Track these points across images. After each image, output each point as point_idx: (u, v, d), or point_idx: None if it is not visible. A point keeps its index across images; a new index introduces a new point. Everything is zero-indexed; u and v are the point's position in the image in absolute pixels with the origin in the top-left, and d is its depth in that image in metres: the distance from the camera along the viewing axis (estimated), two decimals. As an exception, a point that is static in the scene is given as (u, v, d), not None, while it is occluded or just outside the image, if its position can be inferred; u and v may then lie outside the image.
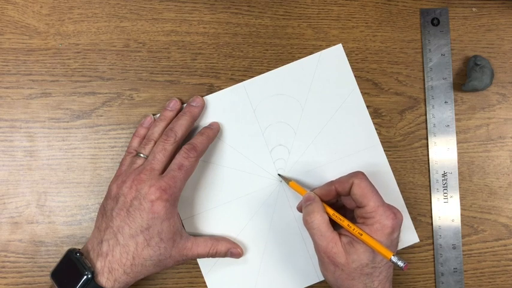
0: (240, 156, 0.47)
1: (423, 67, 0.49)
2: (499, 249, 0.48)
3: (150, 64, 0.48)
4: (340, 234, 0.40)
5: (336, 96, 0.48)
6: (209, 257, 0.44)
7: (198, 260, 0.46)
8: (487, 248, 0.48)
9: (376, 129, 0.48)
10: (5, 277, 0.46)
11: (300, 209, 0.45)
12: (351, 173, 0.42)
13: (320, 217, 0.40)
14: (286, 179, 0.46)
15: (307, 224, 0.40)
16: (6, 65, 0.47)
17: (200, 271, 0.47)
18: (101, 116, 0.47)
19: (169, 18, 0.48)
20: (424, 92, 0.49)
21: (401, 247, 0.47)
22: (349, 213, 0.43)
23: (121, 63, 0.48)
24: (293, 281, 0.47)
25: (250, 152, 0.47)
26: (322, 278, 0.47)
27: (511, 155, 0.49)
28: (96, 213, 0.46)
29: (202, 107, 0.46)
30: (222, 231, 0.47)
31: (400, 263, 0.37)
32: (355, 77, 0.48)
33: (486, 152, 0.49)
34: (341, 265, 0.39)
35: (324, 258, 0.40)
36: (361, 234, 0.39)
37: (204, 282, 0.46)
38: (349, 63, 0.48)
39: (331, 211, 0.41)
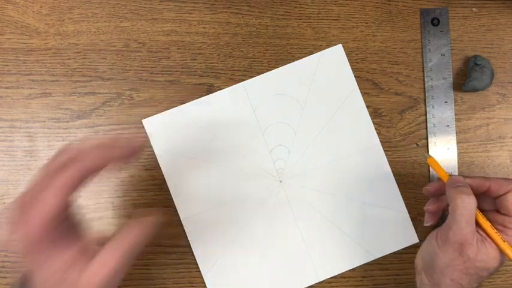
0: (240, 156, 0.47)
1: (423, 67, 0.49)
2: (499, 249, 0.48)
3: (150, 64, 0.48)
4: None
5: (336, 96, 0.48)
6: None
7: (198, 260, 0.46)
8: (487, 248, 0.48)
9: (376, 129, 0.48)
10: (5, 277, 0.46)
11: (430, 191, 0.43)
12: (509, 179, 0.40)
13: (474, 203, 0.38)
14: (426, 155, 0.44)
15: (461, 202, 0.38)
16: (6, 65, 0.47)
17: (200, 271, 0.47)
18: (101, 116, 0.47)
19: (169, 18, 0.48)
20: (424, 92, 0.49)
21: (401, 247, 0.47)
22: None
23: (121, 63, 0.48)
24: (293, 281, 0.47)
25: (250, 152, 0.47)
26: (322, 279, 0.47)
27: (511, 155, 0.49)
28: (96, 214, 0.46)
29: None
30: (222, 231, 0.47)
31: None
32: (355, 77, 0.48)
33: (486, 152, 0.49)
34: (467, 257, 0.37)
35: (453, 241, 0.38)
36: (504, 241, 0.38)
37: (204, 282, 0.46)
38: (349, 63, 0.48)
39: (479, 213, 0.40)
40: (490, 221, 0.39)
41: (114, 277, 0.31)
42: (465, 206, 0.38)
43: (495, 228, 0.39)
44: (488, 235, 0.38)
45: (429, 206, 0.43)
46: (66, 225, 0.32)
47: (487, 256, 0.38)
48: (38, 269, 0.31)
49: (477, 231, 0.38)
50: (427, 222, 0.44)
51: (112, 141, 0.33)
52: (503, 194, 0.39)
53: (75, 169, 0.31)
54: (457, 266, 0.38)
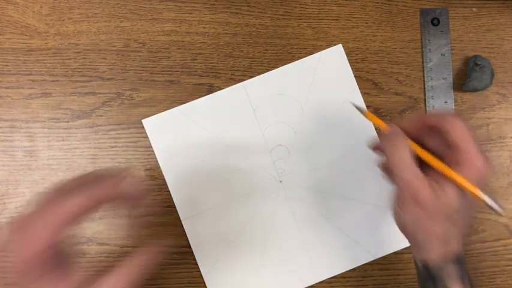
0: (240, 156, 0.47)
1: (423, 67, 0.49)
2: (499, 249, 0.48)
3: (150, 64, 0.48)
4: (425, 174, 0.36)
5: (336, 96, 0.48)
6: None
7: (198, 259, 0.46)
8: (487, 248, 0.48)
9: (376, 129, 0.48)
10: (5, 277, 0.46)
11: (374, 147, 0.42)
12: (446, 112, 0.37)
13: (406, 148, 0.36)
14: (359, 108, 0.41)
15: (391, 156, 0.37)
16: (6, 65, 0.47)
17: (200, 271, 0.47)
18: (101, 116, 0.47)
19: (170, 18, 0.48)
20: (424, 92, 0.49)
21: (402, 247, 0.47)
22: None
23: (121, 63, 0.48)
24: (293, 281, 0.47)
25: (250, 152, 0.47)
26: (321, 279, 0.47)
27: (511, 155, 0.49)
28: (96, 214, 0.46)
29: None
30: (222, 231, 0.47)
31: (496, 207, 0.35)
32: (355, 77, 0.48)
33: (486, 152, 0.49)
34: (424, 203, 0.35)
35: (406, 195, 0.36)
36: (453, 173, 0.35)
37: (204, 282, 0.46)
38: (349, 63, 0.48)
39: (416, 146, 0.38)
40: (441, 157, 0.37)
41: None
42: (399, 153, 0.36)
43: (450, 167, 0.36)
44: (436, 169, 0.36)
45: (379, 163, 0.41)
46: (57, 260, 0.31)
47: (447, 196, 0.35)
48: None
49: (427, 174, 0.36)
50: (385, 178, 0.42)
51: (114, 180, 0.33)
52: (447, 129, 0.36)
53: (81, 198, 0.31)
54: (421, 217, 0.36)
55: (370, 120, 0.41)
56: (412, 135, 0.38)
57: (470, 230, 0.38)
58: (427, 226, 0.36)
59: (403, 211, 0.37)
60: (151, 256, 0.33)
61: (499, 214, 0.35)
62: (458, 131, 0.36)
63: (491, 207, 0.35)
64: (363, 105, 0.48)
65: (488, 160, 0.36)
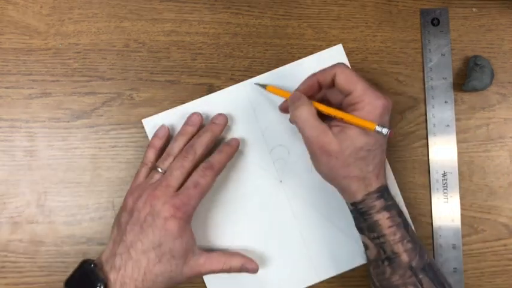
0: (240, 156, 0.47)
1: (423, 67, 0.49)
2: (499, 249, 0.48)
3: (150, 64, 0.48)
4: (330, 126, 0.40)
5: (336, 96, 0.48)
6: (223, 272, 0.43)
7: (198, 260, 0.46)
8: (487, 247, 0.48)
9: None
10: (5, 277, 0.46)
11: (283, 108, 0.46)
12: (331, 65, 0.41)
13: (308, 110, 0.40)
14: (263, 85, 0.46)
15: (296, 118, 0.40)
16: (6, 65, 0.47)
17: (200, 271, 0.47)
18: (101, 116, 0.47)
19: (170, 19, 0.48)
20: (424, 92, 0.49)
21: (402, 247, 0.47)
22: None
23: (121, 63, 0.48)
24: (293, 281, 0.47)
25: (250, 152, 0.47)
26: (322, 278, 0.47)
27: (511, 155, 0.49)
28: (96, 214, 0.46)
29: (225, 125, 0.45)
30: (222, 231, 0.47)
31: (384, 130, 0.37)
32: (355, 77, 0.48)
33: (486, 152, 0.49)
34: (334, 153, 0.39)
35: (315, 150, 0.39)
36: (347, 115, 0.39)
37: (204, 282, 0.46)
38: (349, 63, 0.48)
39: (317, 104, 0.41)
40: (344, 109, 0.40)
41: (207, 190, 0.42)
42: (302, 115, 0.40)
43: (347, 111, 0.40)
44: (336, 117, 0.39)
45: (289, 119, 0.45)
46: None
47: (351, 140, 0.39)
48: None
49: (335, 125, 0.40)
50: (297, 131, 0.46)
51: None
52: (333, 79, 0.40)
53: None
54: (335, 166, 0.39)
55: (274, 93, 0.45)
56: (317, 98, 0.43)
57: (385, 164, 0.42)
58: (344, 172, 0.39)
59: (319, 164, 0.41)
60: (245, 265, 0.44)
61: (389, 135, 0.38)
62: (341, 77, 0.40)
63: (380, 133, 0.38)
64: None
65: (379, 94, 0.39)
